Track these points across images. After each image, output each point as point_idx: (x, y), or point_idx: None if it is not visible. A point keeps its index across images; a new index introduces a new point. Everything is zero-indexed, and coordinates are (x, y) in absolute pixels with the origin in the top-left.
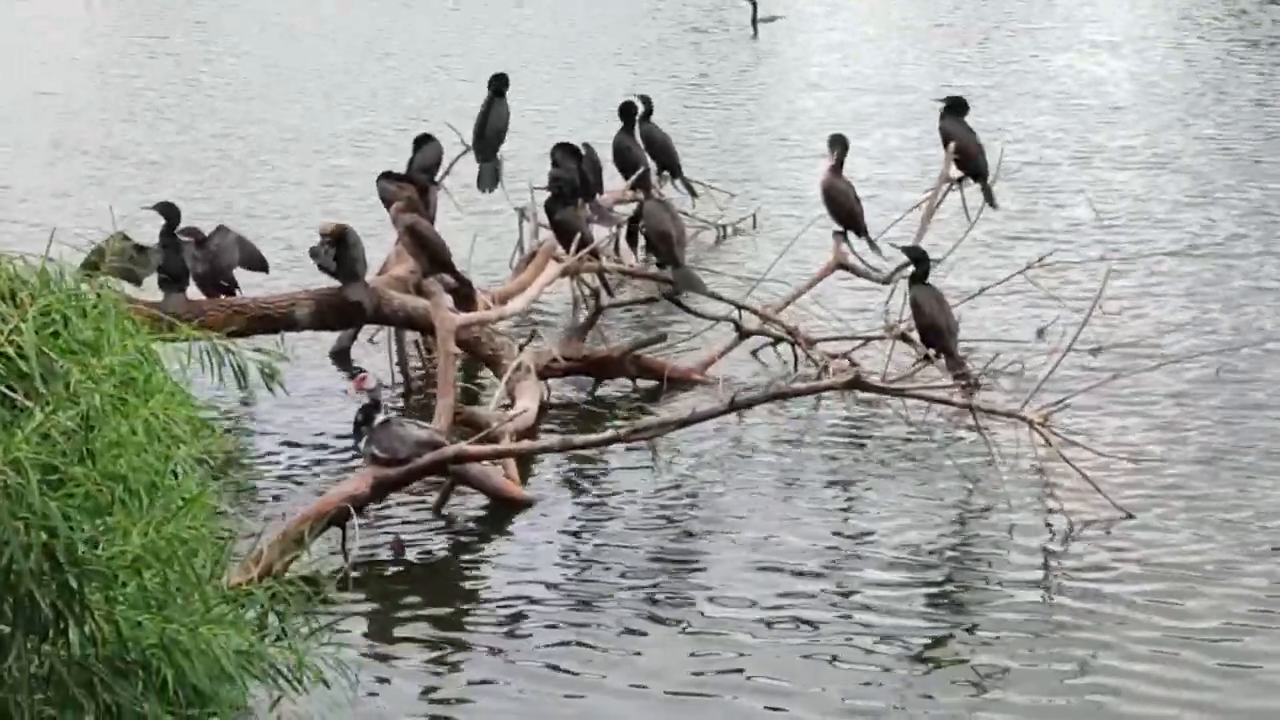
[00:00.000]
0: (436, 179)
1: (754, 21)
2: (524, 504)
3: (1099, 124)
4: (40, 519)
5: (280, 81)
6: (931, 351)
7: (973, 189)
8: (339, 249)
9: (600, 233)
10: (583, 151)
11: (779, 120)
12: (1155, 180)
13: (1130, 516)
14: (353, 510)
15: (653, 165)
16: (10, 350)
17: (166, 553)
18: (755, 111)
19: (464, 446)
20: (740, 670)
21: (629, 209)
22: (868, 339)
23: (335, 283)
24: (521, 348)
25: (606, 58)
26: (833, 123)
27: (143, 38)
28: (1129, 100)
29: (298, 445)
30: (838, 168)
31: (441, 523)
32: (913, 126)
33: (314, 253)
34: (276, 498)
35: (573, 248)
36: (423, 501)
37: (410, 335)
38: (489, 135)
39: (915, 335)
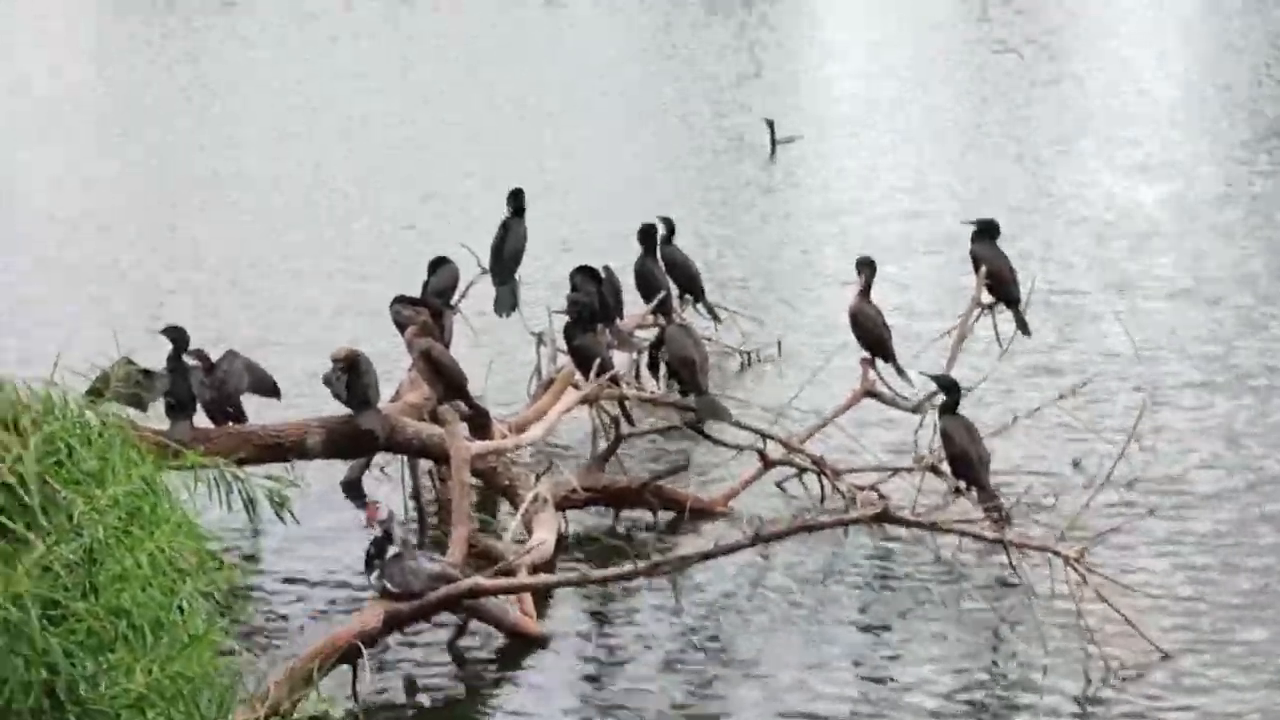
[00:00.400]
0: (452, 303)
1: (772, 142)
2: (540, 641)
3: (1132, 250)
4: (41, 656)
5: (292, 197)
6: (962, 484)
7: (1005, 315)
8: (351, 375)
9: (621, 359)
10: (603, 275)
11: (802, 244)
12: (1192, 310)
13: (1168, 657)
14: (363, 647)
15: (674, 289)
16: (12, 480)
17: (171, 691)
18: (776, 235)
19: (479, 580)
20: None
21: (650, 334)
22: (896, 470)
23: (347, 410)
24: (539, 478)
25: (622, 177)
26: (857, 247)
27: (154, 145)
28: (1163, 226)
29: (307, 577)
30: (866, 292)
31: (454, 660)
32: (941, 251)
33: (326, 379)
34: (284, 633)
35: (592, 374)
36: (436, 637)
37: (424, 464)
38: (506, 257)
39: (945, 466)
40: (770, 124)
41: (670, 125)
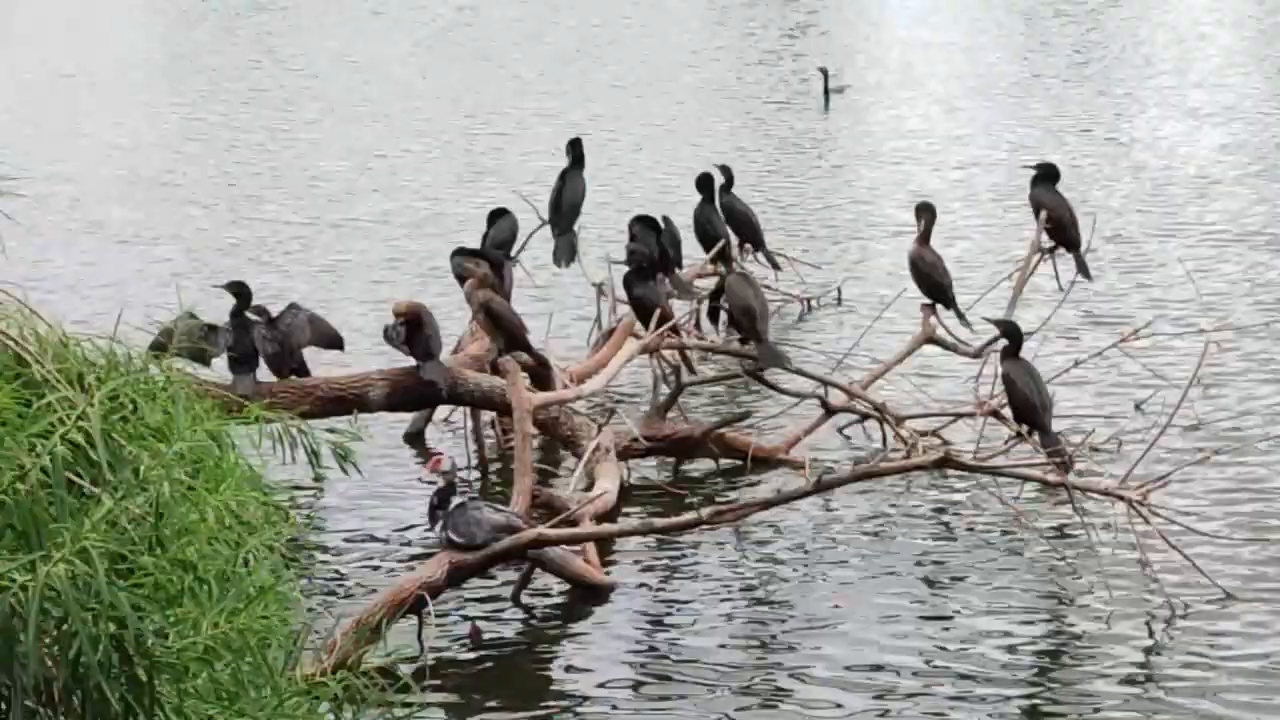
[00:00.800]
0: (512, 254)
1: (825, 92)
2: (605, 589)
3: (1193, 196)
4: (108, 609)
5: (356, 153)
6: (1024, 428)
7: (1066, 259)
8: (412, 328)
9: (681, 308)
10: (662, 225)
11: (859, 192)
12: (1255, 254)
13: (1230, 596)
14: (428, 598)
15: (734, 238)
16: (78, 436)
17: (238, 644)
18: (834, 184)
19: (542, 530)
20: None
21: (710, 283)
22: (958, 416)
23: (409, 362)
24: (600, 427)
25: (676, 128)
26: (915, 193)
27: (218, 112)
28: (1224, 171)
29: (372, 530)
30: (925, 238)
31: (520, 610)
32: (1001, 196)
33: (387, 333)
34: (350, 585)
35: (652, 324)
36: (501, 587)
37: (486, 416)
38: (565, 208)
39: (1007, 411)
40: (824, 73)
41: (724, 75)
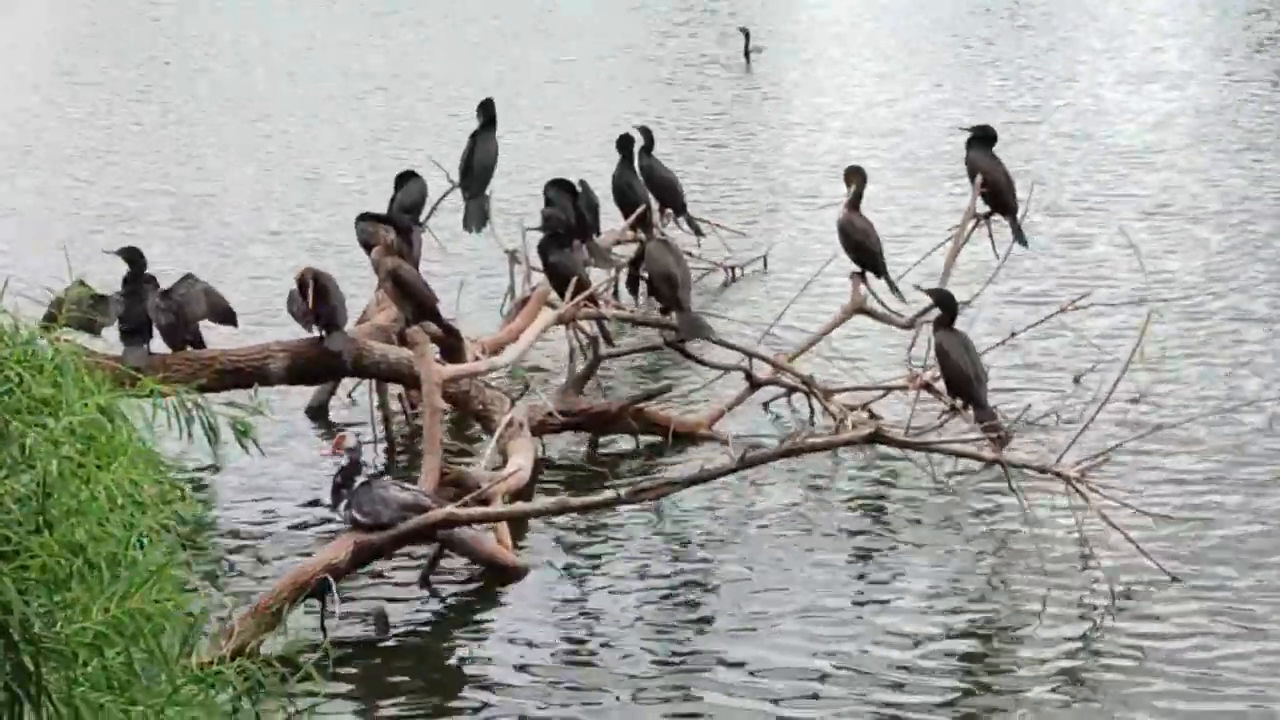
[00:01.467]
0: (420, 219)
1: (746, 52)
2: (517, 572)
3: (1131, 165)
4: None
5: (250, 112)
6: (959, 402)
7: (1001, 225)
8: (316, 297)
9: (598, 276)
10: (578, 188)
11: (785, 155)
12: (1196, 226)
13: (1175, 580)
14: (332, 581)
15: (654, 203)
16: None
17: (130, 629)
18: (758, 146)
19: (452, 509)
20: None
21: (629, 250)
22: (889, 389)
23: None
24: (514, 402)
25: (594, 87)
26: (843, 157)
27: (108, 70)
28: (1162, 141)
29: (273, 509)
30: (855, 203)
31: (428, 593)
32: (932, 160)
33: (290, 301)
34: (250, 567)
35: (568, 293)
36: (408, 570)
37: (393, 389)
38: (477, 170)
39: (941, 384)
40: (745, 32)
41: (643, 33)
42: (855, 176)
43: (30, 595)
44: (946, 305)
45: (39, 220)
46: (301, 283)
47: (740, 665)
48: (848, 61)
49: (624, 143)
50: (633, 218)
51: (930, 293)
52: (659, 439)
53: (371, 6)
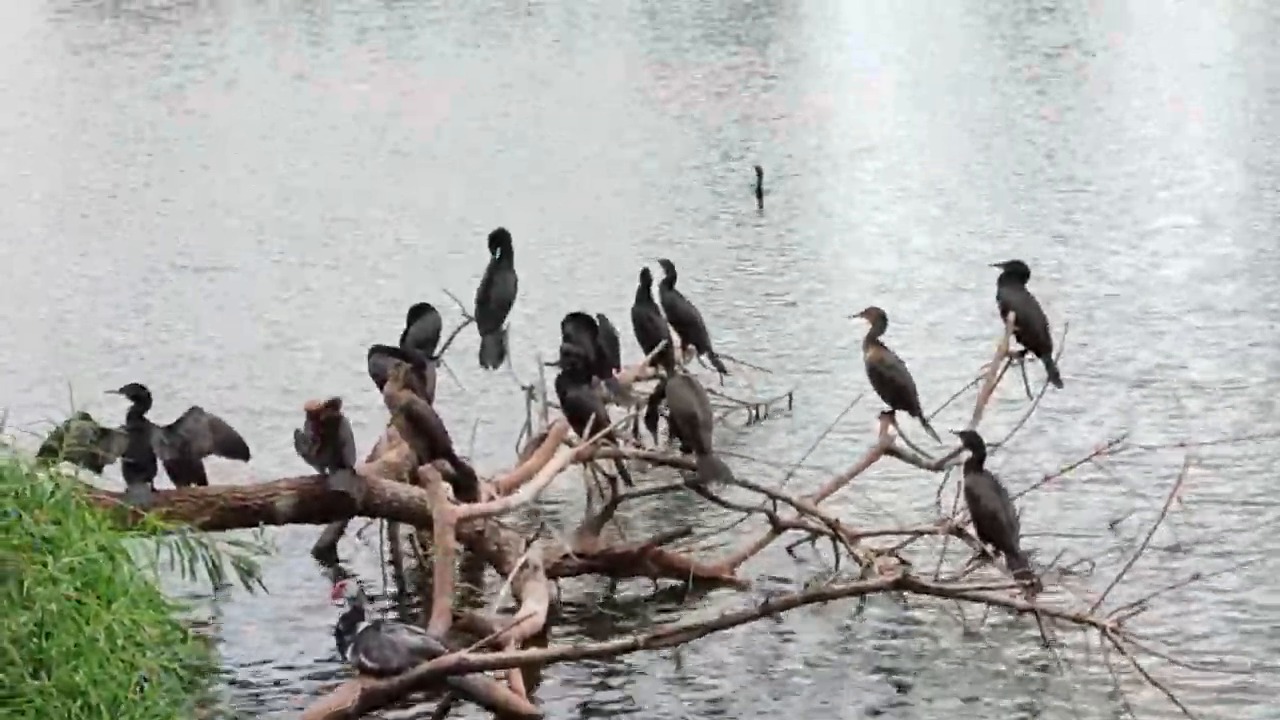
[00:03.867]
0: (435, 354)
1: (759, 193)
2: (531, 719)
3: (1171, 296)
4: None
5: (262, 239)
6: (989, 547)
7: (1035, 365)
8: (326, 432)
9: (617, 414)
10: (597, 323)
11: (806, 291)
12: (1234, 367)
13: None
14: None
15: (676, 338)
16: None
17: None
18: (778, 283)
19: (464, 655)
20: None
21: (649, 387)
22: (918, 533)
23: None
24: (529, 543)
25: (610, 223)
26: (866, 293)
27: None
28: (1205, 268)
29: (278, 652)
30: (876, 340)
31: None
32: (960, 296)
33: (298, 438)
34: (255, 713)
35: (586, 430)
36: (418, 717)
37: (404, 529)
38: (493, 304)
39: (971, 529)
40: (758, 170)
41: (662, 163)
42: (874, 316)
43: None
44: (976, 447)
45: (39, 350)
46: (312, 412)
47: None
48: (859, 192)
49: (644, 276)
50: (653, 353)
51: (960, 435)
52: (678, 583)
53: (402, 148)
